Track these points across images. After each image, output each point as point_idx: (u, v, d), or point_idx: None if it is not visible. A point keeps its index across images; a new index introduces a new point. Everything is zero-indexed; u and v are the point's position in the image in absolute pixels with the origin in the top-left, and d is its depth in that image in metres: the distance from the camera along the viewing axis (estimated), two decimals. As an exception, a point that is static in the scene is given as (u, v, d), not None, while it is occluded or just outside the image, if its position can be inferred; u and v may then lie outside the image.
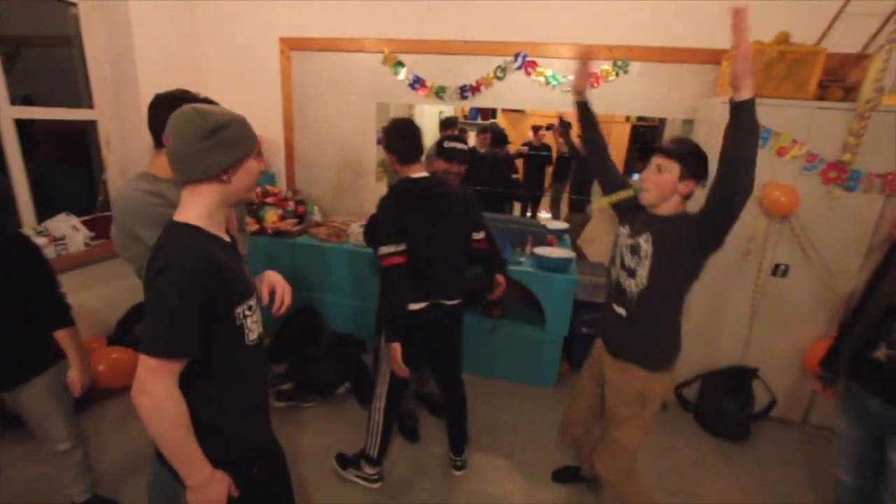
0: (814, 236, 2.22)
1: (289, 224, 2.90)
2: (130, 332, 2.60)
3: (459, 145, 2.00)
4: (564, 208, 4.90)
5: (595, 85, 2.63)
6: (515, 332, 2.73)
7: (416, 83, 2.85)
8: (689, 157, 1.36)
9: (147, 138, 1.37)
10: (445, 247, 1.76)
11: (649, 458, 2.15)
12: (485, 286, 2.11)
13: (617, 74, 2.59)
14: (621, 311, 1.49)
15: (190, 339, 0.87)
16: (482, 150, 4.34)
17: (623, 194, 1.56)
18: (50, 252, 2.26)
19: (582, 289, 2.74)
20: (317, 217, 3.13)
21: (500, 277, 2.04)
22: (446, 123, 4.83)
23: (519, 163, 4.99)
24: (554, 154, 5.15)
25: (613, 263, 1.54)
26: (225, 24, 2.99)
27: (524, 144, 5.13)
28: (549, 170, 5.20)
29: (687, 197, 1.41)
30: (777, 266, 2.30)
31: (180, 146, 0.90)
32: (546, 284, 2.57)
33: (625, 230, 1.51)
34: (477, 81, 2.77)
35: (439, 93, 2.84)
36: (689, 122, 2.59)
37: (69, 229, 2.37)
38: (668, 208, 1.41)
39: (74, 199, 2.62)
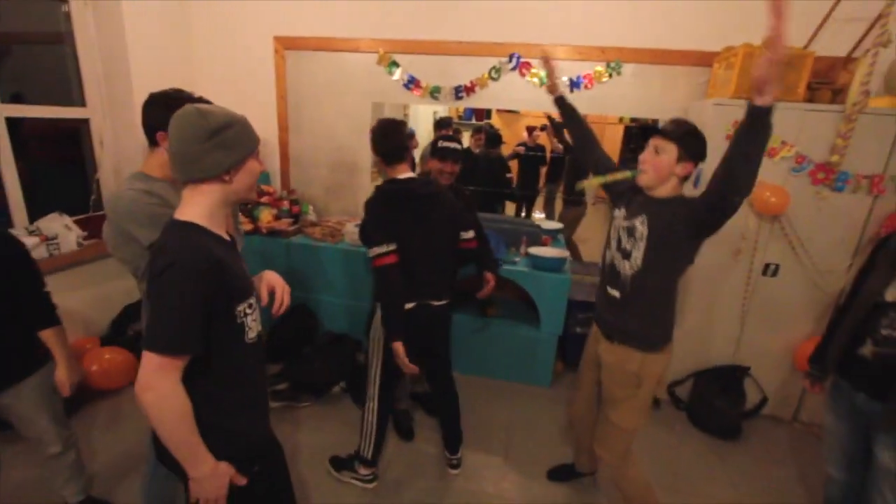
0: (803, 236, 2.26)
1: (283, 224, 2.90)
2: (124, 333, 2.58)
3: (453, 145, 2.01)
4: (558, 208, 4.93)
5: (589, 86, 2.66)
6: (510, 332, 2.74)
7: (411, 83, 2.86)
8: (687, 139, 1.37)
9: (141, 137, 1.37)
10: (432, 247, 1.76)
11: (643, 457, 2.16)
12: (477, 285, 2.13)
13: (610, 76, 2.62)
14: (615, 293, 1.50)
15: (193, 335, 0.88)
16: (476, 151, 4.36)
17: (619, 176, 1.55)
18: (42, 252, 2.24)
19: (576, 288, 2.76)
20: (312, 217, 3.13)
21: (488, 275, 2.06)
22: (441, 124, 4.84)
23: (513, 163, 5.02)
24: (547, 154, 5.18)
25: (608, 246, 1.55)
26: (219, 22, 2.98)
27: (519, 145, 5.16)
28: (543, 170, 5.23)
29: (684, 179, 1.42)
30: (767, 265, 2.34)
31: (182, 146, 0.91)
32: (540, 284, 2.59)
33: (620, 212, 1.52)
34: (471, 82, 2.79)
35: (434, 93, 2.85)
36: (681, 124, 2.62)
37: (62, 229, 2.35)
38: (665, 190, 1.42)
39: (67, 199, 2.59)
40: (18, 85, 2.53)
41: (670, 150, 1.38)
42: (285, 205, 3.02)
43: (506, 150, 5.05)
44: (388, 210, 1.69)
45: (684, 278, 1.52)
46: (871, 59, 1.99)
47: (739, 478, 2.14)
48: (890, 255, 1.33)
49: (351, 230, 2.77)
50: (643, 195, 1.47)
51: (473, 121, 6.57)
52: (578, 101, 2.63)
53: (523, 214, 5.10)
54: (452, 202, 1.84)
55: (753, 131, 1.12)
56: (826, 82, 2.23)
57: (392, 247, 1.65)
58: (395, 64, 2.84)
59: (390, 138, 1.71)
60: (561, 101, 1.77)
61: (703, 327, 2.48)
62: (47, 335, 1.46)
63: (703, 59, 2.45)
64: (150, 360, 0.86)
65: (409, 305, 1.74)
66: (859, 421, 1.43)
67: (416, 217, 1.71)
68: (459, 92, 2.82)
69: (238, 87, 3.07)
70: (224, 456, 0.98)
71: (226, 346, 0.97)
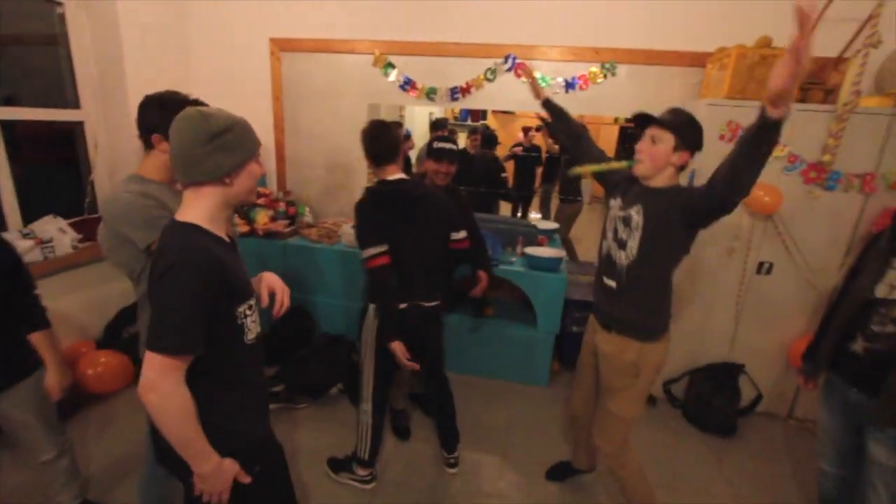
0: (796, 235, 2.28)
1: (280, 225, 2.90)
2: (120, 336, 2.57)
3: (448, 146, 2.02)
4: (554, 208, 4.95)
5: (584, 87, 2.67)
6: (507, 332, 2.75)
7: (407, 84, 2.86)
8: (684, 128, 1.38)
9: (136, 139, 1.37)
10: (422, 248, 1.77)
11: (640, 454, 2.18)
12: (473, 285, 2.14)
13: (605, 76, 2.64)
14: (611, 283, 1.51)
15: (196, 336, 0.89)
16: (472, 152, 4.37)
17: (615, 165, 1.56)
18: (37, 255, 2.22)
19: (572, 288, 2.77)
20: (308, 218, 3.13)
21: (480, 273, 2.06)
22: (436, 125, 4.85)
23: (509, 164, 5.03)
24: (543, 155, 5.20)
25: (605, 237, 1.56)
26: (215, 24, 2.98)
27: (516, 145, 5.18)
28: (539, 170, 5.25)
29: (681, 168, 1.42)
30: (761, 264, 2.36)
31: (184, 148, 0.92)
32: (537, 284, 2.60)
33: (616, 202, 1.52)
34: (467, 83, 2.80)
35: (430, 94, 2.85)
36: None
37: (56, 231, 2.34)
38: (661, 180, 1.43)
39: (61, 201, 2.58)
40: (12, 87, 2.51)
41: (667, 140, 1.38)
42: (281, 206, 3.02)
43: (501, 150, 5.06)
44: (378, 211, 1.70)
45: (679, 277, 1.53)
46: (862, 60, 2.01)
47: (735, 474, 2.15)
48: (880, 253, 1.35)
49: (347, 231, 2.77)
50: (639, 185, 1.48)
51: (469, 122, 6.59)
52: (573, 101, 2.69)
53: (519, 215, 5.12)
54: (443, 203, 1.84)
55: (762, 139, 1.10)
56: (818, 82, 2.25)
57: (384, 248, 1.66)
58: (390, 65, 2.85)
59: (379, 140, 1.71)
60: (547, 104, 1.84)
61: (699, 325, 2.50)
62: (37, 338, 1.44)
63: (697, 60, 2.47)
64: (153, 360, 0.87)
65: (401, 306, 1.75)
66: (852, 416, 1.45)
67: (407, 218, 1.72)
68: (455, 93, 2.83)
69: (234, 88, 3.07)
70: (225, 456, 0.99)
71: (226, 347, 0.97)
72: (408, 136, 4.44)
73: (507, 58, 2.70)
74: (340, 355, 2.61)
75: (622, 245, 1.46)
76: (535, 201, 5.35)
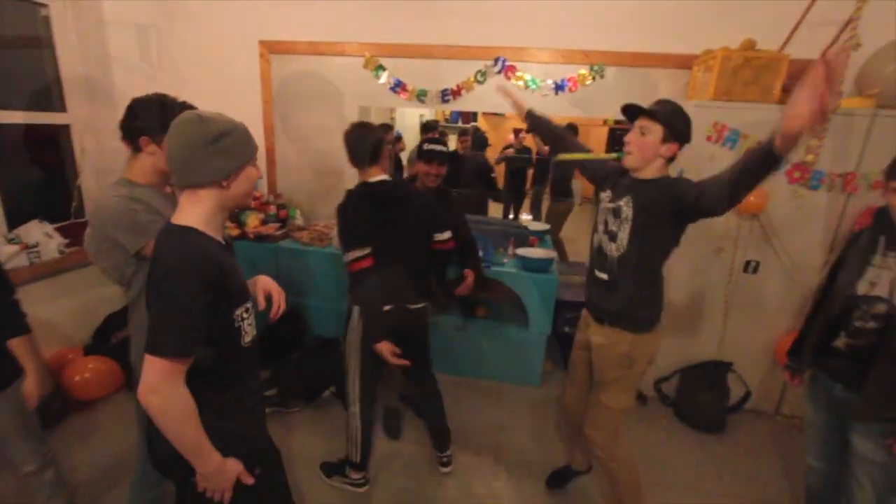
0: (781, 234, 2.32)
1: (270, 228, 2.88)
2: (108, 341, 2.54)
3: (439, 147, 2.02)
4: (545, 209, 4.98)
5: (573, 89, 2.70)
6: (499, 333, 2.77)
7: (398, 87, 2.87)
8: (672, 119, 1.39)
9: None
10: (405, 249, 1.77)
11: (631, 451, 2.20)
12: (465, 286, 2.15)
13: (594, 79, 2.66)
14: (603, 275, 1.52)
15: (197, 339, 0.89)
16: (462, 153, 4.39)
17: (604, 155, 1.59)
18: (22, 260, 2.19)
19: (563, 288, 2.79)
20: (299, 221, 3.12)
21: (466, 271, 2.07)
22: (427, 126, 4.86)
23: (500, 165, 5.06)
24: (534, 156, 5.24)
25: (596, 230, 1.57)
26: (204, 26, 2.96)
27: (507, 147, 5.20)
28: (530, 172, 5.28)
29: (670, 160, 1.44)
30: (748, 262, 2.40)
31: (182, 152, 0.92)
32: (528, 284, 2.61)
33: (606, 195, 1.54)
34: (458, 85, 2.81)
35: (420, 96, 2.86)
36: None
37: (42, 236, 2.30)
38: (650, 171, 1.44)
39: (47, 206, 2.54)
40: (-5, 90, 2.47)
41: (656, 131, 1.40)
42: (272, 209, 3.00)
43: (492, 151, 5.09)
44: (359, 214, 1.69)
45: (669, 276, 1.55)
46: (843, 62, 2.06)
47: (725, 470, 2.18)
48: (861, 251, 1.38)
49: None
50: (629, 177, 1.49)
51: (460, 123, 6.61)
52: (563, 103, 2.72)
53: (511, 216, 5.14)
54: (426, 203, 1.84)
55: (765, 167, 1.14)
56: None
57: (366, 251, 1.66)
58: (381, 68, 2.85)
59: (360, 142, 1.71)
60: (530, 115, 1.89)
61: (688, 324, 2.53)
62: (17, 344, 1.38)
63: (683, 63, 2.51)
64: (154, 364, 0.87)
65: (385, 308, 1.74)
66: (837, 411, 1.48)
67: (389, 219, 1.71)
68: (446, 95, 2.84)
69: (223, 91, 3.05)
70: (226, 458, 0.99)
71: (223, 350, 0.98)
72: (398, 138, 4.45)
73: (496, 60, 2.72)
74: (332, 358, 2.60)
75: (613, 237, 1.47)
76: (526, 202, 5.39)
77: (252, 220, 2.86)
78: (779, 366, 2.46)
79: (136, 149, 1.33)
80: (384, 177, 1.74)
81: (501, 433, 2.37)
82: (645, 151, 1.42)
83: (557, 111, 2.65)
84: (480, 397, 2.65)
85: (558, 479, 2.05)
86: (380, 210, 1.70)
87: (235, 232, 2.79)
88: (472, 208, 3.68)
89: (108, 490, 1.88)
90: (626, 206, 1.44)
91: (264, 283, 1.24)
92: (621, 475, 1.66)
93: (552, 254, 2.79)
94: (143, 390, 0.87)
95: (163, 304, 0.88)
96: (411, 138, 5.48)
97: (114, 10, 2.51)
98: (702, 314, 2.51)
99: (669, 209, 1.37)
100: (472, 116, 6.69)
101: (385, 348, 1.71)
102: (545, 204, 5.02)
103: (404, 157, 4.62)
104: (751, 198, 2.19)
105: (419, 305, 1.85)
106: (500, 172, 5.13)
